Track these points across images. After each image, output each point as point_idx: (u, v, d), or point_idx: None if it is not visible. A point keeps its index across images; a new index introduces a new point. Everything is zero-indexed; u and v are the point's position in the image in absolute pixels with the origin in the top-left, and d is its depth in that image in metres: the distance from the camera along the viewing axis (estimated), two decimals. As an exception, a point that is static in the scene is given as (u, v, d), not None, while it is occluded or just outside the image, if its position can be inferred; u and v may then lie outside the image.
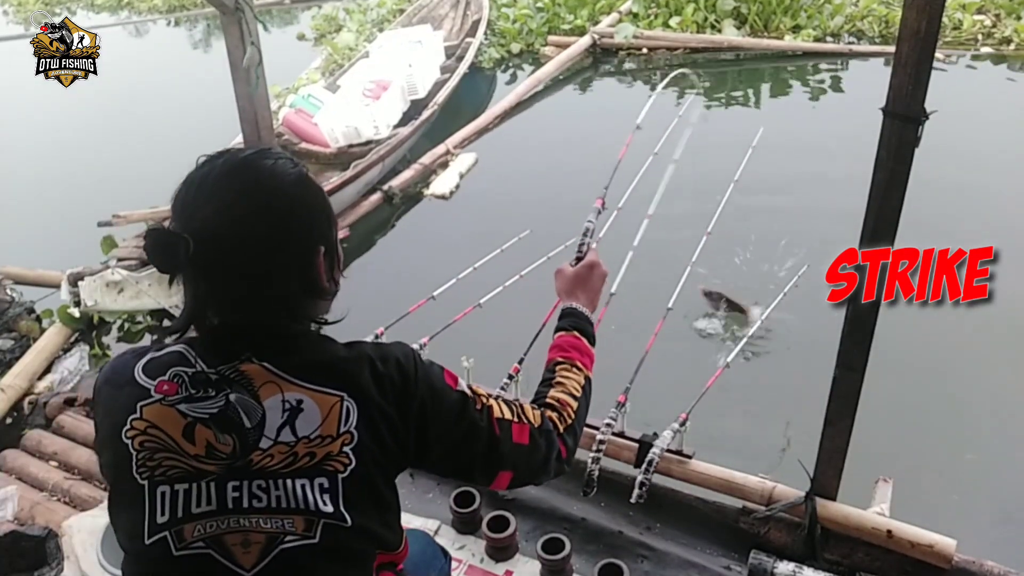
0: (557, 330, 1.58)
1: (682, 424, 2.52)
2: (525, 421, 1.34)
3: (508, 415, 1.33)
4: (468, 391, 1.31)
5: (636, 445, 2.54)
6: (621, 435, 2.58)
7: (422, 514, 2.59)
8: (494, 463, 1.32)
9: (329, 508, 1.12)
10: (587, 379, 1.51)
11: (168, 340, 1.25)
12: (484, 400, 1.32)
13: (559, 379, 1.47)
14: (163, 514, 1.11)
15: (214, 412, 1.13)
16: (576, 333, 1.55)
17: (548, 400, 1.43)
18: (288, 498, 1.11)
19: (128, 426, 1.14)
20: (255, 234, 1.16)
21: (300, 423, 1.13)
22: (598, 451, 2.49)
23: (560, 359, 1.51)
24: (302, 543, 1.11)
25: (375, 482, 1.18)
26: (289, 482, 1.11)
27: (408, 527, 1.36)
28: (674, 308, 2.74)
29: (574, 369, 1.50)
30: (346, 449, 1.14)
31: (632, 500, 2.44)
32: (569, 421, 1.41)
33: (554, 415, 1.40)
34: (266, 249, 1.17)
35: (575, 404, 1.44)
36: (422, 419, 1.23)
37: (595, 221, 1.83)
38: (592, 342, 1.57)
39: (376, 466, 1.18)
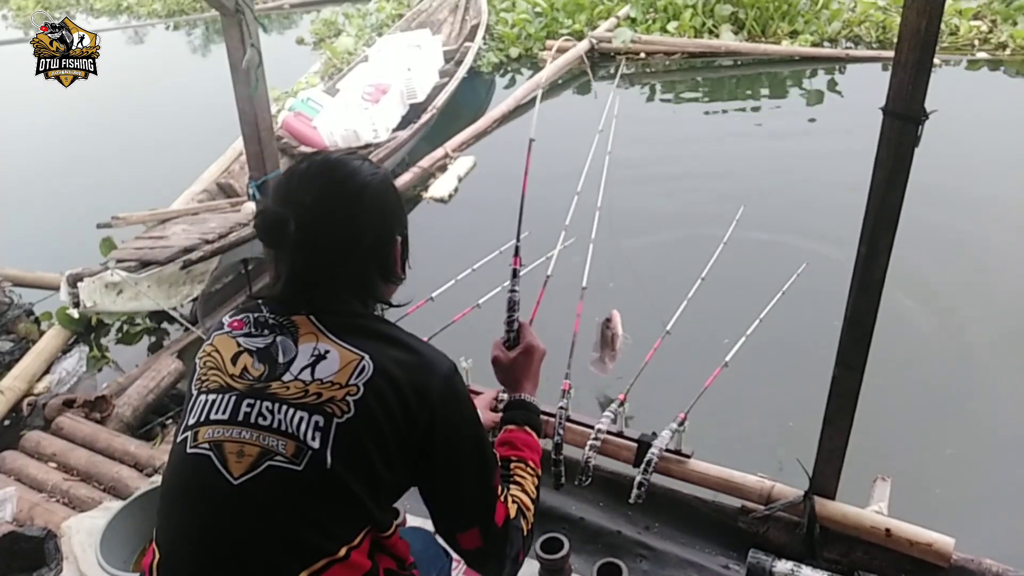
0: (505, 421, 1.60)
1: (681, 424, 2.52)
2: (505, 506, 1.39)
3: (499, 490, 1.39)
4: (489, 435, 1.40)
5: (635, 445, 2.54)
6: (620, 435, 2.58)
7: (422, 514, 2.58)
8: (480, 511, 1.36)
9: (316, 444, 1.22)
10: (538, 478, 1.54)
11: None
12: (497, 457, 1.41)
13: (516, 478, 1.49)
14: (193, 416, 1.30)
15: (260, 347, 1.32)
16: (527, 428, 1.58)
17: (512, 498, 1.45)
18: (286, 423, 1.24)
19: (202, 350, 1.38)
20: (347, 219, 1.34)
21: (320, 368, 1.27)
22: (596, 439, 2.51)
23: (514, 458, 1.53)
24: (288, 467, 1.22)
25: (367, 446, 1.24)
26: (292, 410, 1.25)
27: (409, 526, 1.38)
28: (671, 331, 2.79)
29: (528, 469, 1.52)
30: (349, 399, 1.24)
31: (631, 500, 2.44)
32: (529, 524, 1.46)
33: (520, 517, 1.44)
34: (355, 233, 1.35)
35: (532, 508, 1.48)
36: (432, 416, 1.28)
37: (518, 290, 1.75)
38: (539, 432, 1.61)
39: (374, 432, 1.24)
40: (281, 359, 1.29)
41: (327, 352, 1.28)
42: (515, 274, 1.79)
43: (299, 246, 1.31)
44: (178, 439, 1.31)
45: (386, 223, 1.39)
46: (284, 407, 1.24)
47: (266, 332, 1.33)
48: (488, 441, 1.39)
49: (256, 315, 1.36)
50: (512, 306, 1.73)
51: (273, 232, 1.31)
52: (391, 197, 1.41)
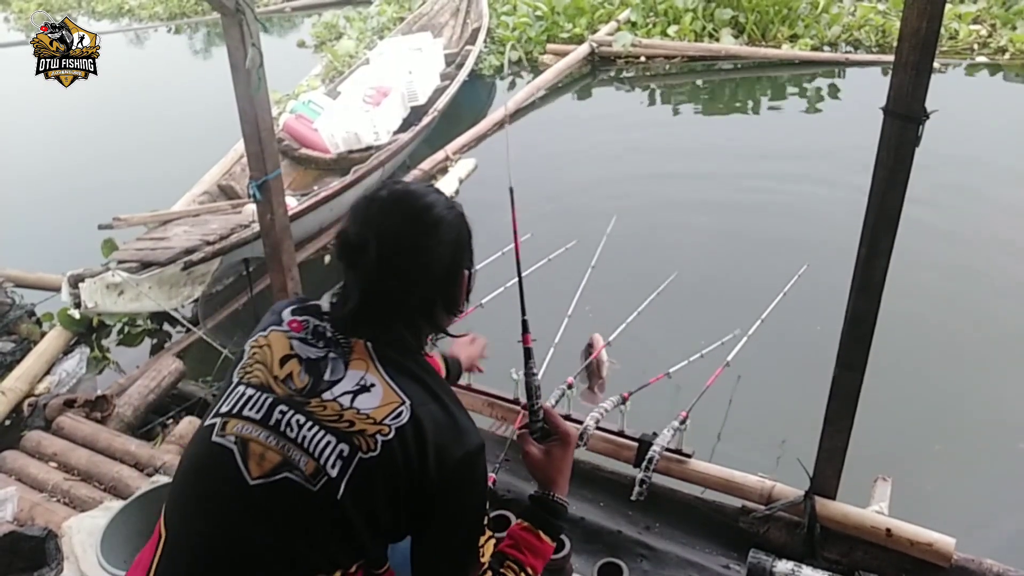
0: (524, 515, 1.50)
1: (682, 423, 2.53)
2: None
3: None
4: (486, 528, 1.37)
5: (635, 444, 2.55)
6: (620, 434, 2.59)
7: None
8: None
9: (334, 472, 1.24)
10: None
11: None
12: (483, 542, 1.37)
13: None
14: (227, 405, 1.33)
15: (311, 358, 1.34)
16: (542, 534, 1.47)
17: None
18: (310, 442, 1.26)
19: (255, 339, 1.41)
20: (422, 249, 1.36)
21: (361, 399, 1.29)
22: (598, 412, 2.56)
23: (511, 556, 1.43)
24: (304, 484, 1.24)
25: (379, 490, 1.25)
26: (320, 432, 1.26)
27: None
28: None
29: (522, 574, 1.43)
30: (378, 437, 1.25)
31: (632, 498, 2.45)
32: None
33: None
34: (428, 262, 1.37)
35: None
36: (445, 484, 1.28)
37: (536, 373, 1.61)
38: (556, 536, 1.50)
39: (391, 477, 1.25)
40: (327, 376, 1.31)
41: (372, 385, 1.29)
42: (529, 355, 1.62)
43: (374, 269, 1.34)
44: (207, 421, 1.34)
45: (457, 257, 1.41)
46: (315, 426, 1.26)
47: (321, 344, 1.35)
48: (479, 541, 1.35)
49: (316, 322, 1.39)
50: (532, 392, 1.58)
51: (354, 253, 1.34)
52: (464, 232, 1.44)
